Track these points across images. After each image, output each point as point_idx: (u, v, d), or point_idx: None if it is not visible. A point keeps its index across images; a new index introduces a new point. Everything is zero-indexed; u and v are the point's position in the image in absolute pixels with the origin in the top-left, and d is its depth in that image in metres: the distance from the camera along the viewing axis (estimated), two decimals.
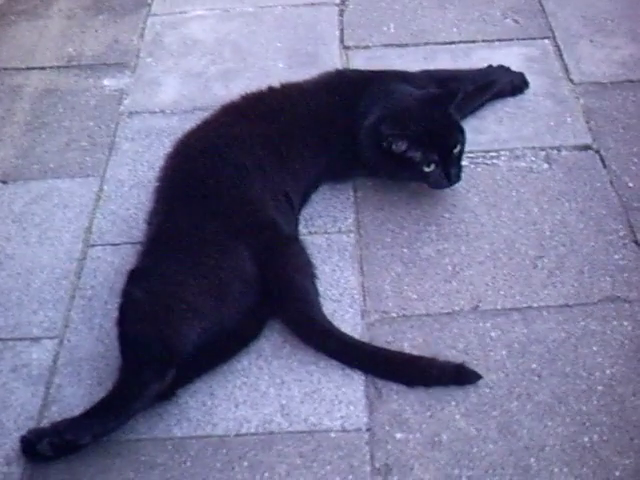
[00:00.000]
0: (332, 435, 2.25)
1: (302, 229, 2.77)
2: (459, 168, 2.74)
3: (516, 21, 3.60)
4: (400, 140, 2.67)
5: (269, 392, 2.35)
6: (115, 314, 2.39)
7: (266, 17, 3.73)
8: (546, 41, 3.51)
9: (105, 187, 2.97)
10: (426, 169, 2.70)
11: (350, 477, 2.15)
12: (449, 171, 2.71)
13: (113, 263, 2.71)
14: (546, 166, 2.93)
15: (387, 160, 2.74)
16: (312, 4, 3.78)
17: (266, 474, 2.17)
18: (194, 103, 3.31)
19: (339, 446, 2.22)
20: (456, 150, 2.72)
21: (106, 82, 3.44)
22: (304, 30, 3.64)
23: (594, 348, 2.39)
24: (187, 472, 2.19)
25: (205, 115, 2.94)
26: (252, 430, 2.27)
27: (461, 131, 2.75)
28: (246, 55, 3.53)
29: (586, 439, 2.20)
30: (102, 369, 2.42)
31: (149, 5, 3.84)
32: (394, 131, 2.68)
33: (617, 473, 2.13)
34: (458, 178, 2.74)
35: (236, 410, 2.31)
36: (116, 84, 3.42)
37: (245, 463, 2.20)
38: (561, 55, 3.43)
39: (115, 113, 3.28)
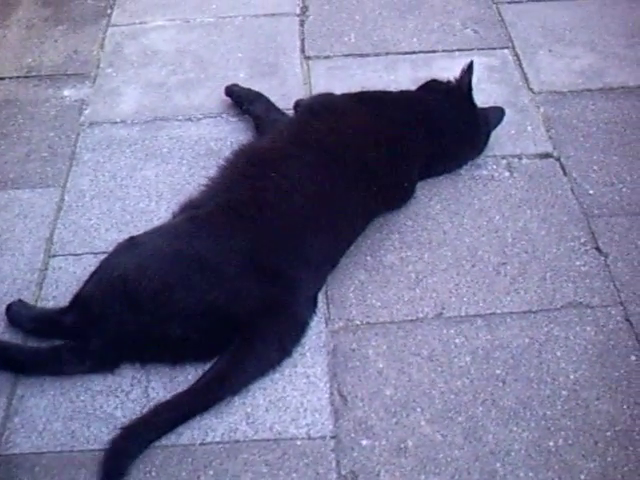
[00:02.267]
0: (298, 443, 2.24)
1: None
2: None
3: (476, 31, 3.62)
4: None
5: (234, 400, 2.33)
6: None
7: (227, 27, 3.72)
8: (505, 51, 3.54)
9: (66, 197, 2.95)
10: None
11: None
12: None
13: (75, 273, 2.68)
14: (507, 174, 2.95)
15: None
16: (273, 14, 3.79)
17: None
18: (155, 113, 3.29)
19: (305, 454, 2.21)
20: None
21: (66, 92, 3.41)
22: (265, 40, 3.64)
23: (558, 353, 2.41)
24: None
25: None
26: (217, 439, 2.26)
27: None
28: (207, 65, 3.52)
29: (551, 443, 2.21)
30: (64, 379, 2.39)
31: (109, 16, 3.83)
32: None
33: (582, 477, 2.14)
34: None
35: (201, 419, 2.30)
36: (76, 94, 3.40)
37: (211, 472, 2.19)
38: (521, 65, 3.46)
39: (76, 123, 3.26)
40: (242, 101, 3.20)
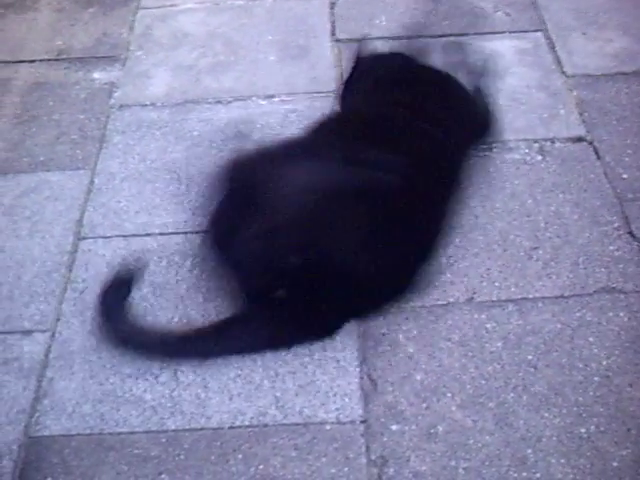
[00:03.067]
0: (327, 427, 2.23)
1: None
2: None
3: (508, 14, 3.59)
4: None
5: (263, 384, 2.33)
6: None
7: (257, 10, 3.71)
8: (538, 34, 3.49)
9: (96, 180, 2.94)
10: None
11: (346, 469, 2.13)
12: None
13: (104, 256, 2.68)
14: (540, 158, 2.92)
15: None
16: None
17: (261, 467, 2.15)
18: (185, 96, 3.28)
19: (334, 438, 2.20)
20: None
21: (96, 75, 3.41)
22: (295, 23, 3.62)
23: (590, 339, 2.38)
24: (181, 465, 2.16)
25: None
26: (246, 423, 2.25)
27: None
28: (237, 48, 3.51)
29: (583, 430, 2.18)
30: (94, 362, 2.40)
31: None
32: None
33: (614, 464, 2.11)
34: None
35: (230, 403, 2.29)
36: (106, 77, 3.40)
37: (239, 455, 2.18)
38: (553, 48, 3.42)
39: (105, 106, 3.26)
40: None
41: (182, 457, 2.18)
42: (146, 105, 3.26)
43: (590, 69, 3.31)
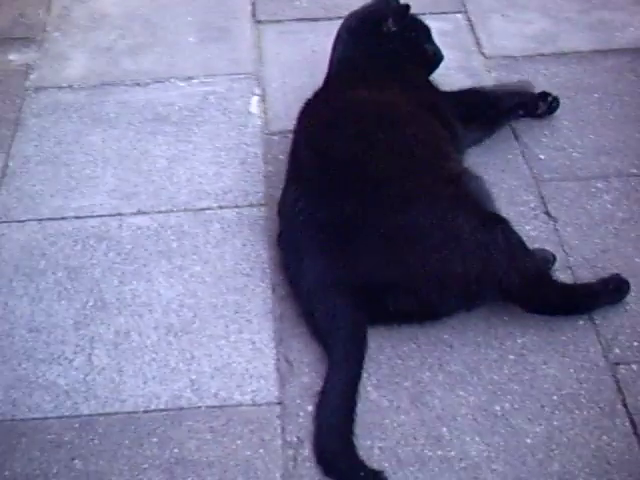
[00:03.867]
0: (243, 409, 2.21)
1: (212, 203, 2.74)
2: None
3: None
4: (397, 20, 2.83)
5: (179, 367, 2.31)
6: (21, 292, 2.36)
7: None
8: (459, 15, 3.51)
9: (10, 163, 2.90)
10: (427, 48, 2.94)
11: (261, 451, 2.12)
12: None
13: (19, 240, 2.64)
14: None
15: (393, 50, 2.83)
16: None
17: (175, 450, 2.13)
18: (102, 78, 3.25)
19: (250, 420, 2.19)
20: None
21: (12, 57, 3.35)
22: (215, 4, 3.60)
23: (505, 318, 2.39)
24: (95, 450, 2.14)
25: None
26: (161, 406, 2.23)
27: None
28: (156, 29, 3.47)
29: (497, 408, 2.20)
30: (6, 347, 2.36)
31: None
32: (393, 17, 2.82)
33: (528, 440, 2.13)
34: None
35: (145, 386, 2.27)
36: (22, 59, 3.34)
37: (154, 439, 2.16)
38: (473, 29, 3.44)
39: (21, 88, 3.21)
40: None
41: (96, 442, 2.16)
42: (63, 87, 3.21)
43: (509, 50, 3.33)
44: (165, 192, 2.79)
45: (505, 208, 2.65)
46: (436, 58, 2.93)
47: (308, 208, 2.39)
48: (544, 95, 3.02)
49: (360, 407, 2.19)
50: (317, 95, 2.72)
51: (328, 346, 2.28)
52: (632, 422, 2.16)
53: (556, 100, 3.02)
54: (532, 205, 2.71)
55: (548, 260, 2.50)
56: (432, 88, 2.82)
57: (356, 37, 2.85)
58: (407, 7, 2.86)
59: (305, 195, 2.42)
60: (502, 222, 2.36)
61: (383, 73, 2.69)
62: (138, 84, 3.20)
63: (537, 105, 3.01)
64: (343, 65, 2.84)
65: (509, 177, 2.80)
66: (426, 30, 2.93)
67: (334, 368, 2.23)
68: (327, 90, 2.75)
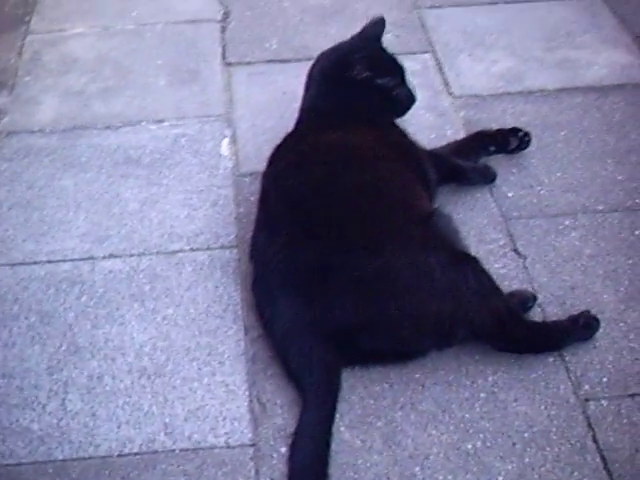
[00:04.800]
0: (216, 452, 2.22)
1: (184, 246, 2.75)
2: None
3: (397, 36, 3.63)
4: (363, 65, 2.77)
5: (152, 411, 2.31)
6: None
7: (147, 34, 3.70)
8: (426, 55, 3.56)
9: None
10: (394, 92, 2.82)
11: None
12: (410, 89, 2.86)
13: None
14: None
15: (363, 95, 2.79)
16: (194, 21, 3.77)
17: None
18: (74, 121, 3.26)
19: (224, 462, 2.19)
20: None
21: None
22: (186, 47, 3.62)
23: (476, 357, 2.41)
24: None
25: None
26: (135, 450, 2.23)
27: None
28: (127, 73, 3.50)
29: (469, 446, 2.21)
30: None
31: (27, 23, 3.78)
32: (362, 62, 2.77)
33: (500, 478, 2.14)
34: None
35: (119, 430, 2.27)
36: None
37: None
38: (441, 69, 3.48)
39: None
40: None
41: None
42: (34, 132, 3.22)
43: (477, 89, 3.38)
44: (137, 235, 2.80)
45: (474, 246, 2.69)
46: (407, 102, 2.90)
47: (280, 252, 2.41)
48: (515, 130, 3.06)
49: (333, 447, 2.20)
50: (287, 138, 2.74)
51: (301, 388, 2.29)
52: (602, 458, 2.18)
53: (527, 135, 3.06)
54: (501, 243, 2.74)
55: (528, 299, 2.53)
56: (401, 131, 2.84)
57: (326, 80, 2.85)
58: (379, 51, 2.87)
59: (276, 239, 2.44)
60: (472, 261, 2.39)
61: (353, 116, 2.71)
62: (109, 127, 3.22)
63: (508, 141, 3.04)
64: (313, 108, 2.86)
65: (478, 215, 2.83)
66: (399, 71, 2.88)
67: (307, 410, 2.24)
68: (297, 133, 2.78)
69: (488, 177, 2.96)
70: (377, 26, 2.88)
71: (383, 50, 2.88)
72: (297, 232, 2.41)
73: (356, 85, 2.78)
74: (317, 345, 2.30)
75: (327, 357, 2.30)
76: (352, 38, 2.93)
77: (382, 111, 2.83)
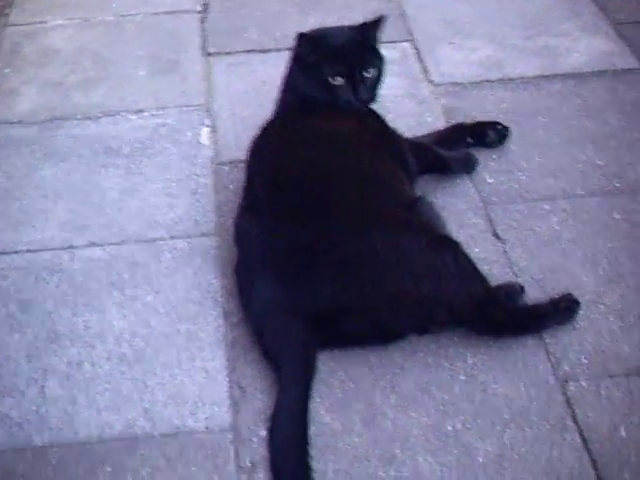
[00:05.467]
0: (196, 436, 2.22)
1: (163, 234, 2.75)
2: (372, 94, 2.74)
3: None
4: (310, 48, 2.69)
5: (132, 396, 2.31)
6: None
7: (127, 25, 3.70)
8: (406, 44, 3.56)
9: None
10: (332, 81, 2.68)
11: (215, 477, 2.13)
12: (357, 89, 2.69)
13: None
14: None
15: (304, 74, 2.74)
16: (173, 12, 3.78)
17: (130, 478, 2.13)
18: (54, 112, 3.26)
19: (204, 446, 2.19)
20: (368, 74, 2.71)
21: None
22: (165, 38, 3.62)
23: (455, 338, 2.41)
24: None
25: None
26: (115, 435, 2.23)
27: (379, 58, 2.77)
28: (107, 64, 3.49)
29: (449, 427, 2.21)
30: None
31: (7, 15, 3.78)
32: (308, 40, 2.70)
33: (480, 459, 2.14)
34: (367, 101, 2.73)
35: (98, 416, 2.27)
36: None
37: (108, 468, 2.15)
38: (420, 57, 3.48)
39: None
40: None
41: (50, 473, 2.15)
42: (13, 123, 3.22)
43: (456, 77, 3.38)
44: (116, 224, 2.80)
45: (455, 231, 2.68)
46: (343, 102, 2.72)
47: (262, 234, 2.41)
48: (494, 124, 3.06)
49: (313, 430, 2.19)
50: (269, 125, 2.74)
51: (277, 367, 2.29)
52: (582, 437, 2.18)
53: (506, 129, 3.06)
54: (481, 228, 2.74)
55: (516, 291, 2.53)
56: (380, 118, 2.83)
57: (297, 64, 2.80)
58: (346, 40, 2.77)
59: (259, 222, 2.44)
60: (453, 245, 2.40)
61: (328, 102, 2.70)
62: (89, 118, 3.22)
63: (487, 134, 3.05)
64: (294, 96, 2.84)
65: (458, 201, 2.83)
66: (351, 66, 2.71)
67: (284, 390, 2.24)
68: (278, 120, 2.77)
69: (470, 165, 2.96)
70: (371, 22, 2.80)
71: (354, 42, 2.76)
72: (280, 215, 2.41)
73: (311, 69, 2.72)
74: (294, 325, 2.30)
75: (304, 337, 2.31)
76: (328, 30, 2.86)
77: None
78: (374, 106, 2.79)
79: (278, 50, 3.48)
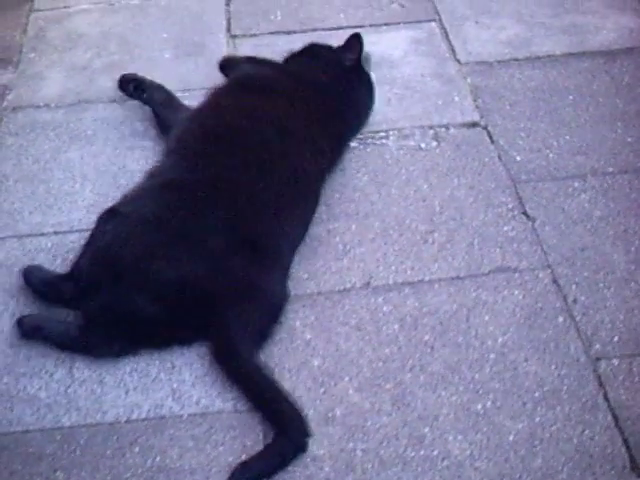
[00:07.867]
0: (224, 416, 2.21)
1: None
2: None
3: (402, 5, 3.61)
4: None
5: (160, 377, 2.30)
6: (2, 307, 2.42)
7: (152, 9, 3.68)
8: (432, 24, 3.52)
9: None
10: None
11: (243, 457, 2.12)
12: None
13: None
14: (435, 144, 2.94)
15: None
16: None
17: (157, 458, 2.13)
18: (79, 96, 3.24)
19: (232, 427, 2.19)
20: None
21: None
22: (190, 20, 3.60)
23: (485, 318, 2.40)
24: (77, 461, 2.13)
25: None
26: (143, 416, 2.22)
27: None
28: (132, 47, 3.47)
29: (479, 406, 2.20)
30: None
31: (31, 1, 3.75)
32: None
33: (510, 438, 2.13)
34: None
35: (126, 397, 2.27)
36: None
37: (136, 449, 2.15)
38: (447, 37, 3.44)
39: None
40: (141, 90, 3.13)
41: (78, 453, 2.15)
42: (40, 107, 3.21)
43: (484, 56, 3.35)
44: None
45: (483, 210, 2.67)
46: None
47: None
48: None
49: (342, 410, 2.19)
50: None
51: None
52: (614, 415, 2.16)
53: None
54: (510, 206, 2.72)
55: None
56: None
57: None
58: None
59: None
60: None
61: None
62: (115, 101, 3.20)
63: None
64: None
65: (486, 180, 2.81)
66: None
67: None
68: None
69: None
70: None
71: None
72: None
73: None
74: None
75: None
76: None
77: None
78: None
79: (303, 32, 3.46)
